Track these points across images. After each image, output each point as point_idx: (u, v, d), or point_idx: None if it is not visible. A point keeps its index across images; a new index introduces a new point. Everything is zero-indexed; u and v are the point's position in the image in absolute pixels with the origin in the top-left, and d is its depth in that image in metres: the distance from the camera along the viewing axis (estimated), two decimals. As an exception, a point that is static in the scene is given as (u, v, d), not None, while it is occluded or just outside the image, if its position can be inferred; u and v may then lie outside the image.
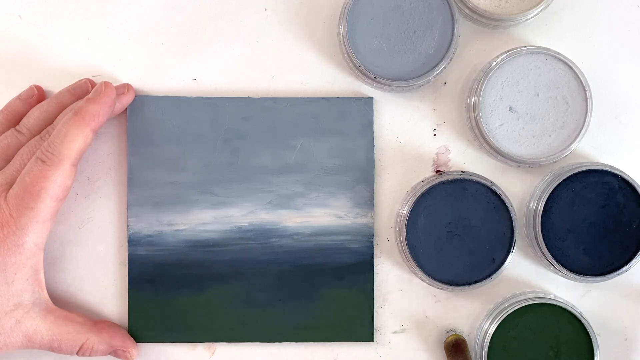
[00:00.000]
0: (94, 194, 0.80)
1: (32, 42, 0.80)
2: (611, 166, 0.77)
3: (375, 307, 0.80)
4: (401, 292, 0.80)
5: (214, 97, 0.79)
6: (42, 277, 0.74)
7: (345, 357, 0.80)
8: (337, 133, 0.79)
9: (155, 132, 0.79)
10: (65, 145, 0.72)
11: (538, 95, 0.78)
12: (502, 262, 0.77)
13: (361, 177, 0.79)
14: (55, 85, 0.79)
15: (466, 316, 0.80)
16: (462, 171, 0.79)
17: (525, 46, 0.78)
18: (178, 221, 0.79)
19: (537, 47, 0.78)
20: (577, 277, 0.77)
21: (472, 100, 0.78)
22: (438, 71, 0.77)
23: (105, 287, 0.80)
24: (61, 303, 0.79)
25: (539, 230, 0.76)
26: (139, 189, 0.79)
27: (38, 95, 0.78)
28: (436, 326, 0.80)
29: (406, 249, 0.77)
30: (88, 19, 0.80)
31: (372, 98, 0.80)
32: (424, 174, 0.80)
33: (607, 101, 0.80)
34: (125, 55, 0.80)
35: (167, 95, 0.79)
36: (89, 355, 0.76)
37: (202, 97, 0.79)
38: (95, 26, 0.80)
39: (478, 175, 0.78)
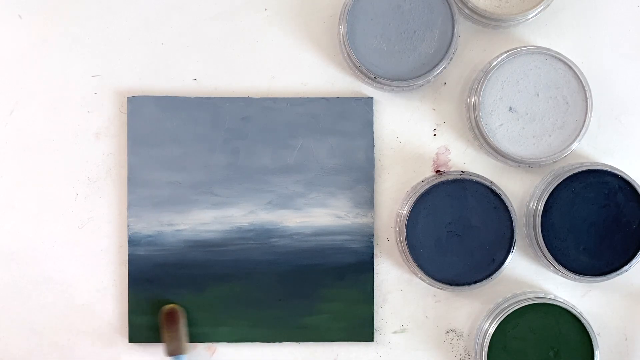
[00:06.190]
0: (94, 194, 0.80)
1: (32, 42, 0.80)
2: (611, 166, 0.77)
3: (375, 307, 0.80)
4: (401, 292, 0.80)
5: (214, 97, 0.79)
6: None
7: (345, 357, 0.80)
8: (337, 133, 0.79)
9: (155, 132, 0.79)
10: None
11: (538, 95, 0.78)
12: (502, 262, 0.77)
13: (361, 177, 0.79)
14: (54, 85, 0.79)
15: (466, 316, 0.80)
16: (462, 171, 0.79)
17: (525, 46, 0.78)
18: (178, 221, 0.79)
19: (537, 47, 0.78)
20: (577, 277, 0.77)
21: (472, 100, 0.78)
22: (438, 71, 0.77)
23: (105, 287, 0.80)
24: (61, 303, 0.79)
25: (539, 230, 0.76)
26: (139, 189, 0.79)
27: None
28: (436, 326, 0.80)
29: (406, 249, 0.77)
30: (88, 19, 0.80)
31: (372, 98, 0.80)
32: (424, 174, 0.80)
33: (607, 101, 0.80)
34: (125, 55, 0.80)
35: (167, 95, 0.79)
36: None
37: (202, 97, 0.79)
38: (95, 26, 0.80)
39: (478, 175, 0.78)
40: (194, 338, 0.79)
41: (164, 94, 0.79)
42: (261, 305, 0.79)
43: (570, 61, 0.77)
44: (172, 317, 0.77)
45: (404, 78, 0.77)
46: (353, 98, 0.79)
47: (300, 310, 0.79)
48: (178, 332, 0.77)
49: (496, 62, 0.77)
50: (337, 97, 0.79)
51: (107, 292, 0.80)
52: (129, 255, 0.79)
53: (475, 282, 0.77)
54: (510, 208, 0.77)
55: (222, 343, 0.80)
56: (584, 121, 0.77)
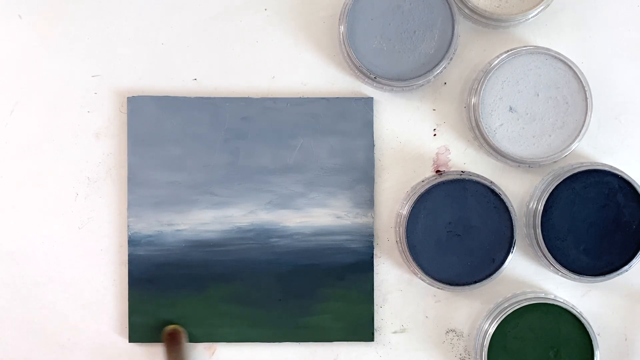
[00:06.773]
0: (94, 194, 0.80)
1: (32, 42, 0.80)
2: (611, 166, 0.77)
3: (375, 307, 0.80)
4: (401, 292, 0.80)
5: (214, 97, 0.79)
6: None
7: (345, 357, 0.80)
8: (337, 133, 0.79)
9: (155, 132, 0.79)
10: None
11: (538, 95, 0.78)
12: (502, 262, 0.77)
13: (361, 177, 0.79)
14: (54, 85, 0.79)
15: (466, 316, 0.80)
16: (462, 171, 0.79)
17: (525, 46, 0.78)
18: (178, 221, 0.79)
19: (537, 47, 0.78)
20: (577, 277, 0.77)
21: (472, 100, 0.78)
22: (438, 71, 0.77)
23: (105, 287, 0.80)
24: (61, 303, 0.79)
25: (539, 230, 0.76)
26: (139, 189, 0.79)
27: None
28: (436, 326, 0.80)
29: (406, 249, 0.77)
30: (87, 19, 0.80)
31: (372, 98, 0.80)
32: (424, 174, 0.80)
33: (607, 101, 0.80)
34: (125, 55, 0.80)
35: (167, 95, 0.79)
36: None
37: (202, 97, 0.79)
38: (95, 26, 0.80)
39: (478, 175, 0.78)
40: (194, 338, 0.79)
41: (164, 94, 0.79)
42: (261, 305, 0.79)
43: (570, 61, 0.77)
44: (174, 337, 0.77)
45: (404, 78, 0.77)
46: (353, 98, 0.79)
47: (300, 310, 0.79)
48: (180, 353, 0.77)
49: (496, 62, 0.77)
50: (337, 97, 0.79)
51: (107, 292, 0.80)
52: (129, 255, 0.79)
53: (475, 282, 0.77)
54: (510, 208, 0.77)
55: (222, 343, 0.80)
56: (584, 121, 0.77)
